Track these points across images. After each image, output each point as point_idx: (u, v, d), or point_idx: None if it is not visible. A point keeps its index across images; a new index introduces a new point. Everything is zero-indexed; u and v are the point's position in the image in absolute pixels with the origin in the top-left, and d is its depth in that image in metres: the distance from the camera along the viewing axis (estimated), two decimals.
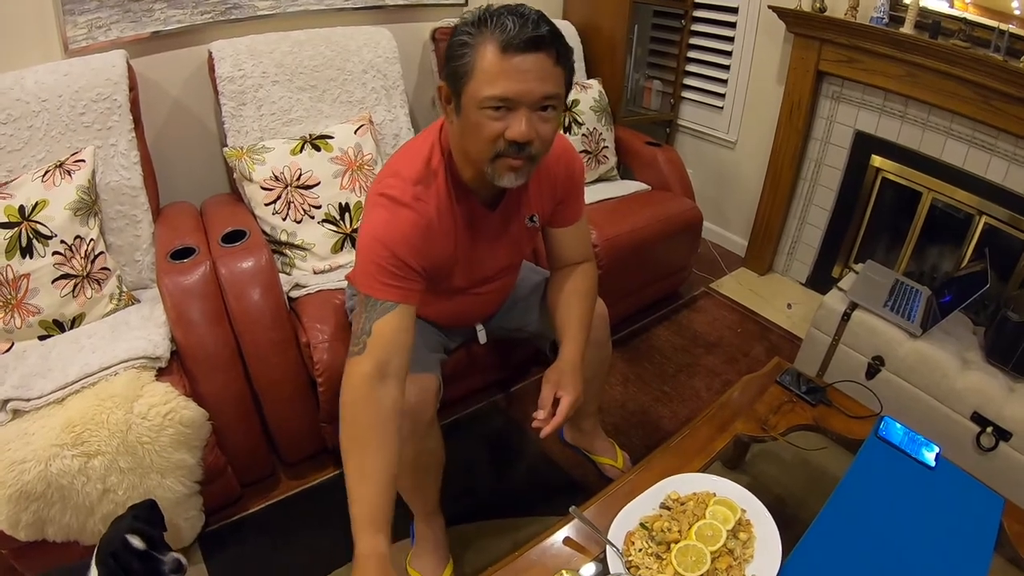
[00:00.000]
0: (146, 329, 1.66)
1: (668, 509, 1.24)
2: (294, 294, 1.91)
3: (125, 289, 1.82)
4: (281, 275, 1.90)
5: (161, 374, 1.59)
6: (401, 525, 1.74)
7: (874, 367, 2.14)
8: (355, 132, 2.15)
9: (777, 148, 3.07)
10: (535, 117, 1.13)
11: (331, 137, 2.10)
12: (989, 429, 1.91)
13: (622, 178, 3.02)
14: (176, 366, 1.64)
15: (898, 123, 2.63)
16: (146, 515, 1.37)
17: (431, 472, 1.54)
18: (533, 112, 1.12)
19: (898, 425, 1.55)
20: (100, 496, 1.46)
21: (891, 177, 2.80)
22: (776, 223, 3.23)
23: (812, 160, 3.03)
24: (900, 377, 2.09)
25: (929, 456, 1.47)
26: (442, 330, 1.67)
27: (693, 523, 1.18)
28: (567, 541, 1.25)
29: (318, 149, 2.06)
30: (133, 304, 1.83)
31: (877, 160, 2.80)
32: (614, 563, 1.15)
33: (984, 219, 2.49)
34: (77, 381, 1.50)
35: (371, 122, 2.24)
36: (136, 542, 1.26)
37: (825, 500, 1.33)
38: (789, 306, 3.10)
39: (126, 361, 1.56)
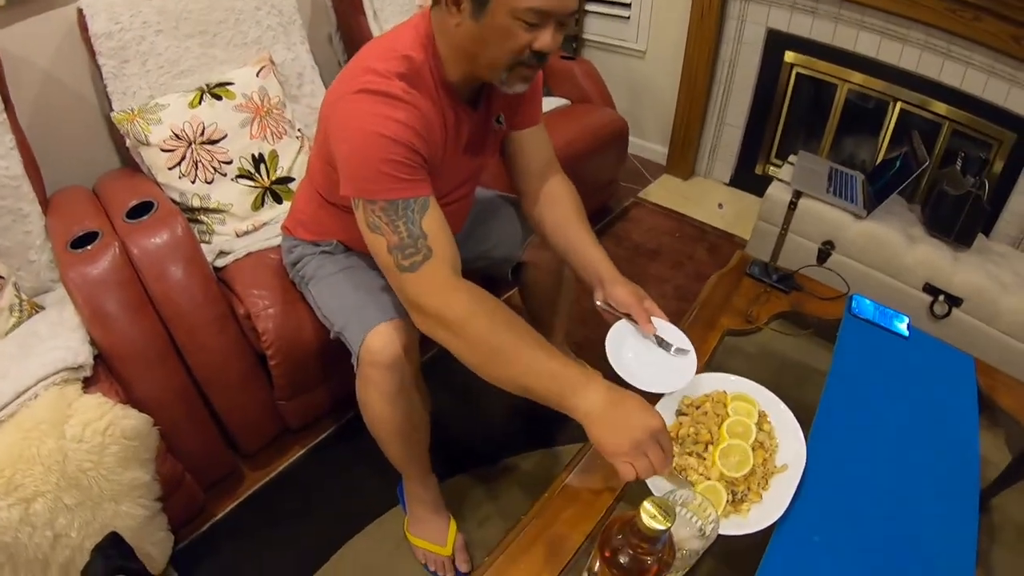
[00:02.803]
0: (59, 337, 1.40)
1: (685, 415, 1.19)
2: (219, 263, 1.72)
3: (25, 297, 1.54)
4: (201, 245, 1.69)
5: (88, 385, 1.36)
6: (387, 492, 1.67)
7: (825, 251, 2.20)
8: (257, 75, 1.96)
9: (689, 53, 3.04)
10: (558, 29, 1.10)
11: (231, 84, 1.90)
12: (941, 297, 2.02)
13: None
14: (103, 372, 1.40)
15: (810, 18, 2.65)
16: (116, 552, 1.22)
17: (422, 428, 1.43)
18: (558, 24, 1.09)
19: (867, 301, 1.58)
20: (52, 544, 1.23)
21: (805, 72, 2.84)
22: (695, 127, 3.24)
23: (726, 62, 3.02)
24: (851, 258, 2.17)
25: (901, 327, 1.51)
26: None
27: (719, 423, 1.14)
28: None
29: (219, 98, 1.85)
30: (38, 312, 1.55)
31: (791, 56, 2.83)
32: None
33: (900, 105, 2.58)
34: None
35: (272, 62, 2.04)
36: None
37: (798, 383, 1.38)
38: (720, 206, 3.14)
39: (44, 379, 1.30)
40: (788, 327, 1.55)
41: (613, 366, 1.18)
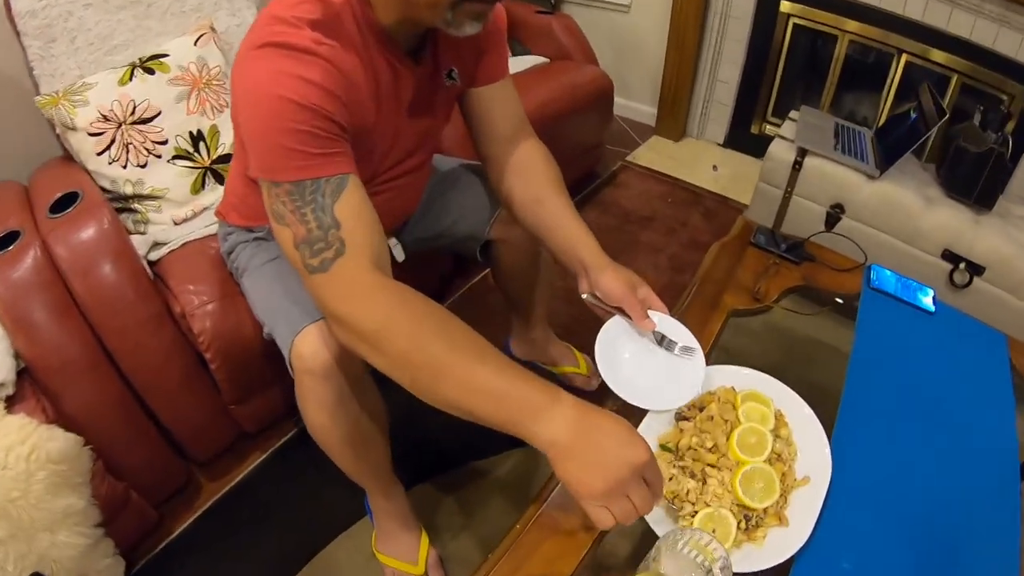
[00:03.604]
0: None
1: (687, 420, 1.00)
2: (154, 256, 1.56)
3: None
4: (135, 236, 1.57)
5: (12, 404, 1.25)
6: (355, 500, 1.52)
7: (834, 215, 2.03)
8: (195, 44, 1.76)
9: (678, 5, 2.89)
10: None
11: (165, 56, 1.71)
12: (962, 265, 1.87)
13: (514, 55, 2.72)
14: (29, 388, 1.28)
15: None
16: None
17: (376, 437, 1.25)
18: None
19: (887, 272, 1.43)
20: None
21: (803, 23, 2.71)
22: (685, 85, 3.09)
23: (717, 13, 2.86)
24: (863, 223, 2.00)
25: (926, 301, 1.36)
26: None
27: (727, 431, 0.96)
28: None
29: (151, 72, 1.67)
30: None
31: (787, 5, 2.68)
32: None
33: (905, 57, 2.45)
34: None
35: (213, 30, 1.83)
36: None
37: (808, 363, 1.28)
38: (715, 168, 3.01)
39: None
40: (801, 304, 1.37)
41: (607, 381, 1.00)
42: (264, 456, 1.69)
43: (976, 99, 2.30)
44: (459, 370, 0.81)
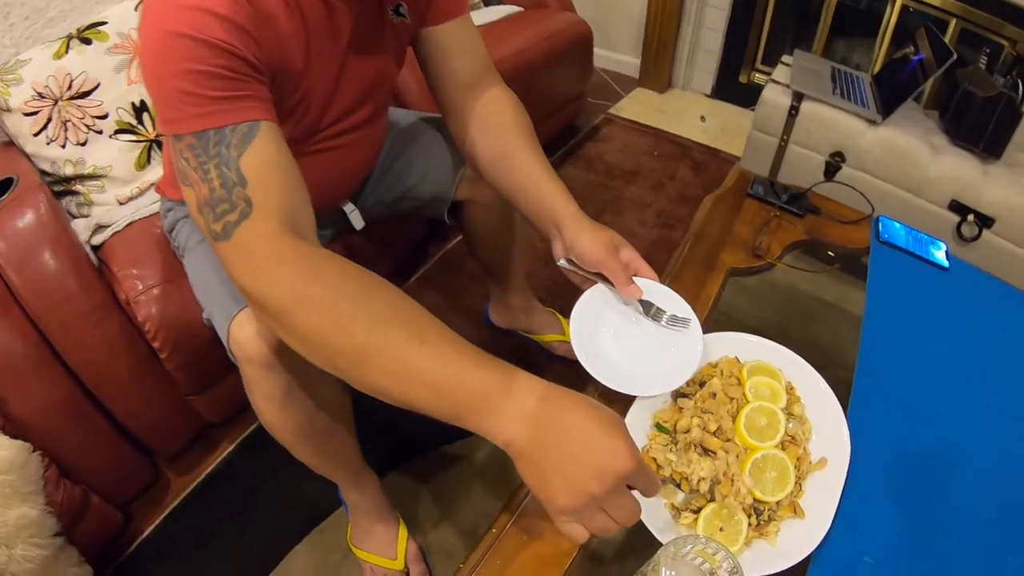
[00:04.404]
0: None
1: (686, 397, 0.88)
2: (98, 239, 1.44)
3: None
4: (78, 221, 1.46)
5: None
6: (330, 489, 1.40)
7: (834, 165, 1.91)
8: (136, 8, 1.61)
9: None
10: None
11: (104, 23, 1.56)
12: (970, 217, 1.77)
13: (486, 5, 2.57)
14: None
15: None
16: None
17: (337, 427, 1.12)
18: None
19: (897, 224, 1.31)
20: None
21: None
22: (669, 33, 2.96)
23: None
24: (865, 172, 1.90)
25: (940, 255, 1.25)
26: None
27: (734, 412, 0.83)
28: None
29: (88, 43, 1.52)
30: None
31: None
32: None
33: (900, 0, 2.34)
34: None
35: None
36: None
37: (811, 325, 1.17)
38: (703, 118, 2.89)
39: None
40: (806, 261, 1.25)
41: (584, 366, 0.85)
42: (232, 446, 1.58)
43: (974, 45, 2.19)
44: (388, 353, 0.65)
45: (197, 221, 0.73)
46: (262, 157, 0.72)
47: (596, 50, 2.53)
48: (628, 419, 0.84)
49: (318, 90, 0.92)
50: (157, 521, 1.46)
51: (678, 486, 0.79)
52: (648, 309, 0.92)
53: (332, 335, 0.66)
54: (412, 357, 0.64)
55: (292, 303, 0.67)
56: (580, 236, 0.92)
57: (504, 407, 0.63)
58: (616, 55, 3.22)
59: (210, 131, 0.70)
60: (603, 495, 0.61)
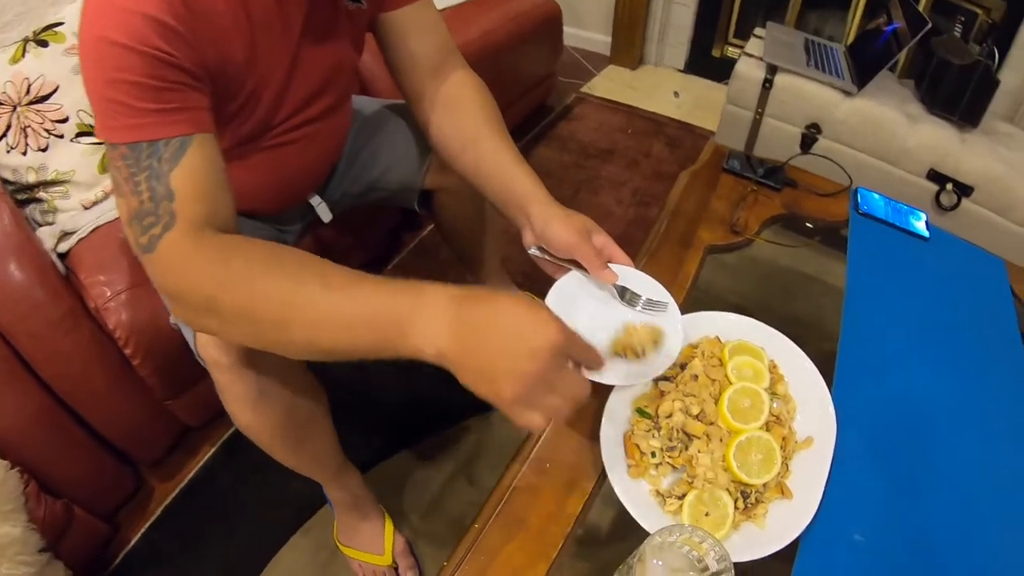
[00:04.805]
0: None
1: (668, 379, 0.86)
2: (64, 247, 1.39)
3: None
4: (44, 228, 1.41)
5: None
6: (316, 486, 1.37)
7: (810, 136, 1.90)
8: None
9: None
10: None
11: (60, 24, 1.51)
12: (949, 186, 1.77)
13: None
14: None
15: None
16: None
17: (316, 425, 1.10)
18: None
19: (875, 195, 1.30)
20: None
21: None
22: (640, 9, 2.93)
23: None
24: (842, 143, 1.88)
25: (919, 225, 1.25)
26: (265, 221, 1.16)
27: (716, 394, 0.81)
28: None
29: (45, 45, 1.47)
30: None
31: None
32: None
33: None
34: None
35: None
36: None
37: (792, 299, 1.17)
38: (676, 94, 2.87)
39: None
40: (785, 236, 1.23)
41: None
42: (214, 449, 1.54)
43: (948, 13, 2.17)
44: (303, 305, 0.65)
45: (126, 234, 0.70)
46: (193, 170, 0.70)
47: (566, 28, 2.48)
48: (608, 405, 0.82)
49: (269, 84, 0.87)
50: (143, 529, 1.42)
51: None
52: (624, 294, 0.90)
53: (255, 306, 0.66)
54: (323, 302, 0.65)
55: (213, 291, 0.67)
56: (550, 223, 0.89)
57: (421, 319, 0.63)
58: (586, 33, 3.18)
59: (143, 143, 0.68)
60: (544, 372, 0.61)
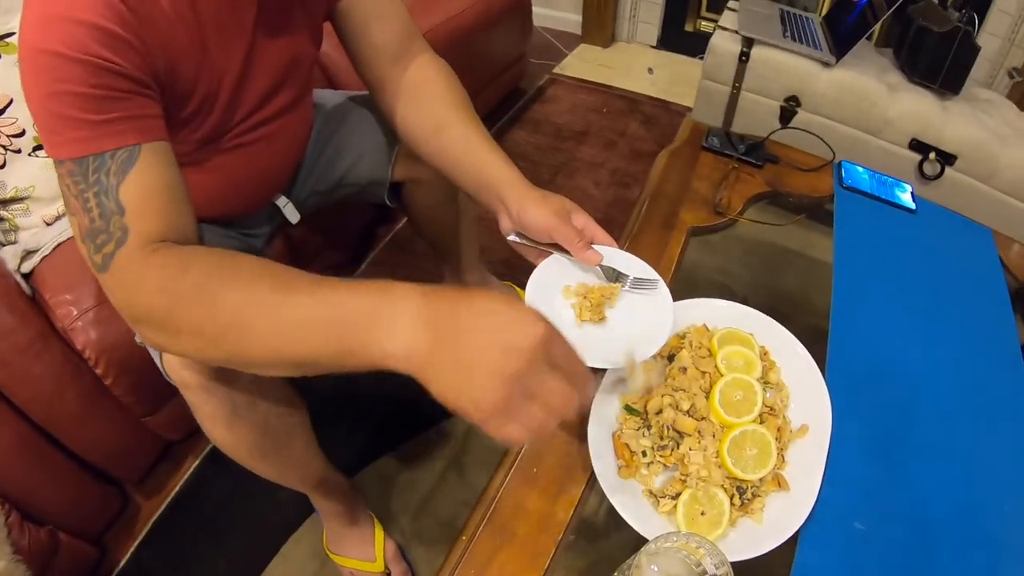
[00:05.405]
0: None
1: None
2: (28, 267, 1.33)
3: None
4: (6, 248, 1.35)
5: None
6: (304, 496, 1.33)
7: (789, 110, 1.85)
8: None
9: None
10: None
11: (12, 35, 1.43)
12: (932, 155, 1.74)
13: None
14: None
15: None
16: None
17: (296, 437, 1.06)
18: None
19: (859, 168, 1.28)
20: None
21: None
22: None
23: None
24: (821, 115, 1.84)
25: (905, 197, 1.23)
26: (231, 227, 1.11)
27: (707, 387, 0.78)
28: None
29: None
30: None
31: None
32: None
33: None
34: None
35: None
36: None
37: (775, 273, 1.15)
38: (650, 71, 2.83)
39: None
40: (770, 213, 1.21)
41: None
42: (198, 461, 1.50)
43: None
44: (263, 313, 0.61)
45: (80, 251, 0.67)
46: (143, 183, 0.66)
47: (535, 8, 2.43)
48: (596, 401, 0.78)
49: (224, 84, 0.83)
50: (132, 549, 1.38)
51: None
52: (609, 275, 0.86)
53: (211, 317, 0.62)
54: (284, 308, 0.60)
55: (168, 305, 0.63)
56: (527, 206, 0.85)
57: (390, 318, 0.57)
58: (556, 12, 3.13)
59: (89, 157, 0.64)
60: (525, 374, 0.54)
